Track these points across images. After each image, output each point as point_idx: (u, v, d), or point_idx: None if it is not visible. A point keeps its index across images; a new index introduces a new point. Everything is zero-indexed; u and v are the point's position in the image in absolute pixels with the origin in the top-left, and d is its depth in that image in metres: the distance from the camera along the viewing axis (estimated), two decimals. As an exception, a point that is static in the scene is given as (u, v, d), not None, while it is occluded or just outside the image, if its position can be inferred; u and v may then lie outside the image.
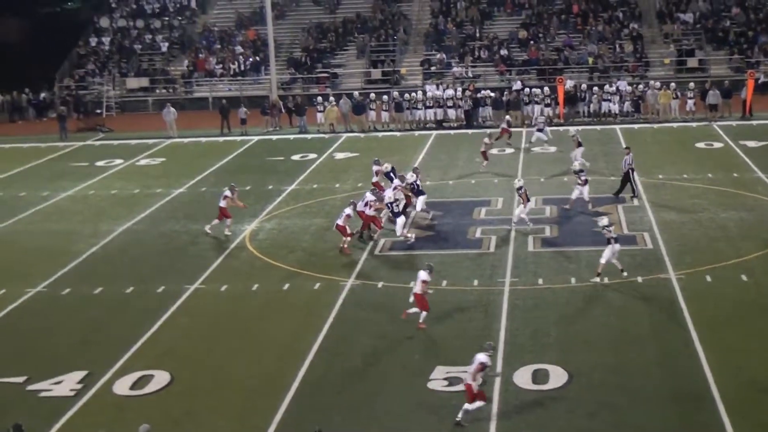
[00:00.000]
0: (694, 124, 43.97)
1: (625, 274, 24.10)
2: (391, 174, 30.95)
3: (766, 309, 22.05)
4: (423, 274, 21.71)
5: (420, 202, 30.00)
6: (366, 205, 28.10)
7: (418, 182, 30.20)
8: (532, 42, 56.25)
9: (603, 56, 54.41)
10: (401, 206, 28.91)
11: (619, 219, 29.35)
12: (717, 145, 39.58)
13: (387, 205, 28.31)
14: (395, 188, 29.33)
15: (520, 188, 28.62)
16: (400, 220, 28.19)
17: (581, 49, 55.57)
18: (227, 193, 29.75)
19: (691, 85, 46.12)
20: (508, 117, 43.08)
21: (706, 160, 36.74)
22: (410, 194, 30.11)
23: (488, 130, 40.52)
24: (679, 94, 45.55)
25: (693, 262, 25.01)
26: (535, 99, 46.35)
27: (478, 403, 17.33)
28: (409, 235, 28.10)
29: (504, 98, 46.91)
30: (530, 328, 21.52)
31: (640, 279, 24.15)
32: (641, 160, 36.71)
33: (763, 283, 23.52)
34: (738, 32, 55.01)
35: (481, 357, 17.35)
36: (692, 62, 53.82)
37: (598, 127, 44.31)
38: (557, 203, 31.28)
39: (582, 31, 57.20)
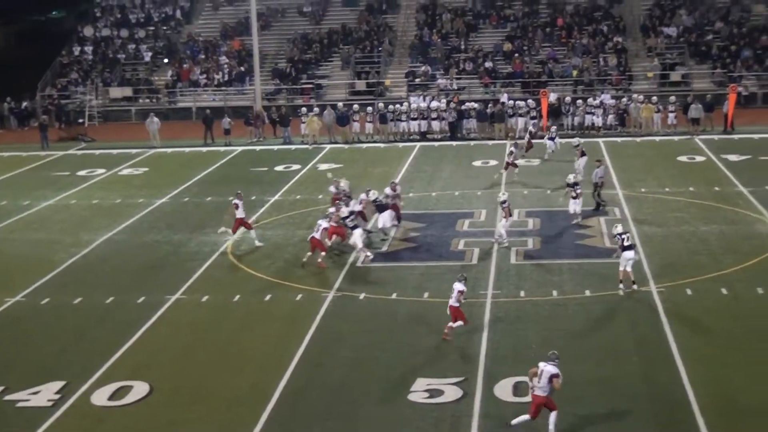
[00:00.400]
0: (676, 138, 44.15)
1: (635, 286, 24.11)
2: (344, 195, 30.31)
3: (746, 322, 22.09)
4: (459, 285, 21.47)
5: (382, 218, 29.46)
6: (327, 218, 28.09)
7: (381, 199, 29.87)
8: (516, 55, 56.41)
9: (587, 69, 54.60)
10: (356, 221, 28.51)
11: (602, 232, 29.40)
12: (699, 158, 39.76)
13: (342, 219, 28.02)
14: (361, 202, 29.44)
15: (503, 202, 28.57)
16: (357, 231, 28.00)
17: (565, 62, 55.77)
18: (236, 201, 29.57)
19: (672, 98, 46.32)
20: (531, 128, 42.95)
21: (688, 174, 36.88)
22: (363, 211, 29.95)
23: (517, 141, 40.38)
24: (661, 107, 45.73)
25: (674, 275, 25.06)
26: (519, 112, 46.43)
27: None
28: (368, 253, 27.67)
29: (488, 110, 46.97)
30: (512, 341, 21.51)
31: (621, 292, 24.16)
32: (624, 174, 36.98)
33: (743, 297, 23.60)
34: (721, 46, 55.33)
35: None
36: (675, 76, 54.08)
37: (583, 140, 44.28)
38: (540, 216, 31.31)
39: (566, 44, 57.43)
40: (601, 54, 55.93)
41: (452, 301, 21.45)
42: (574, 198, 30.22)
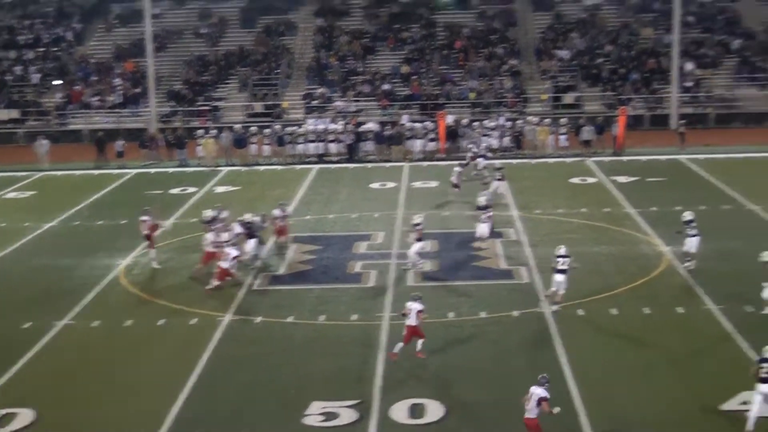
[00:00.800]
0: (568, 160, 44.93)
1: (554, 308, 24.38)
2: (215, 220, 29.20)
3: (634, 342, 22.50)
4: (416, 305, 21.43)
5: (250, 245, 28.72)
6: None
7: (257, 222, 29.34)
8: (414, 77, 56.85)
9: (484, 92, 55.33)
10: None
11: (497, 253, 29.67)
12: (590, 180, 40.50)
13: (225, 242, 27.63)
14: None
15: (417, 224, 28.32)
16: (250, 243, 28.08)
17: (462, 84, 56.40)
18: (144, 217, 29.19)
19: (563, 120, 47.13)
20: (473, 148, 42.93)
21: (581, 196, 37.52)
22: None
23: (461, 162, 40.25)
24: (554, 129, 46.52)
25: (566, 296, 25.32)
26: (417, 134, 46.72)
27: None
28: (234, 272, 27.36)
29: (386, 133, 47.15)
30: (408, 363, 21.43)
31: (516, 313, 24.39)
32: (520, 196, 37.41)
33: (631, 316, 24.03)
34: (611, 69, 56.69)
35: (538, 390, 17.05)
36: (568, 98, 55.19)
37: (484, 162, 44.70)
38: (438, 237, 31.42)
39: (463, 66, 58.11)
40: (496, 76, 56.75)
41: (411, 321, 21.34)
42: (484, 221, 30.34)
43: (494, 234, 31.35)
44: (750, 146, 46.07)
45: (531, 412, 16.97)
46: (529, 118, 48.81)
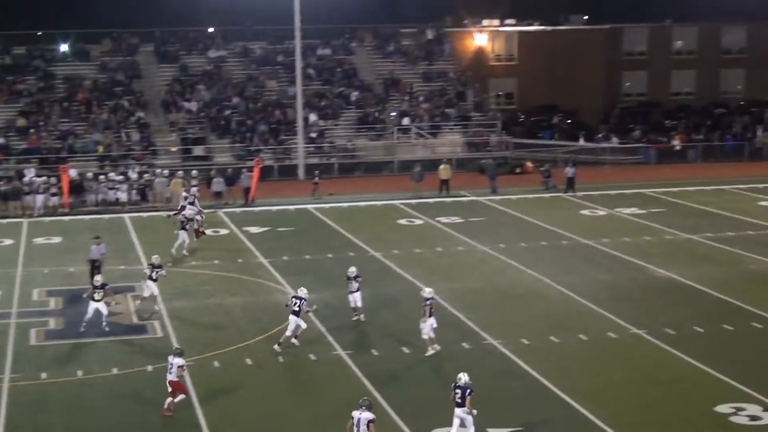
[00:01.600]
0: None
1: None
2: None
3: (268, 391, 22.58)
4: (179, 360, 20.88)
5: None
6: None
7: None
8: (32, 130, 54.14)
9: (111, 144, 53.78)
10: None
11: (129, 309, 28.70)
12: (223, 231, 40.37)
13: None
14: None
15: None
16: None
17: (87, 137, 54.46)
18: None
19: (194, 172, 46.94)
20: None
21: (214, 247, 37.13)
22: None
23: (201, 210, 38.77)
24: (189, 181, 46.11)
25: (202, 348, 24.99)
26: (38, 189, 44.32)
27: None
28: None
29: (2, 188, 44.34)
30: (32, 426, 20.34)
31: (150, 368, 23.71)
32: (151, 248, 36.49)
33: (266, 366, 24.09)
34: (239, 121, 57.32)
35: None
36: (198, 150, 55.03)
37: (106, 216, 43.43)
38: (63, 294, 29.96)
39: (86, 119, 56.16)
40: (123, 129, 55.41)
41: (172, 377, 20.78)
42: (152, 280, 28.68)
43: (126, 289, 30.33)
44: (370, 194, 48.29)
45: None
46: (159, 170, 48.06)
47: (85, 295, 26.81)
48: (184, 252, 35.37)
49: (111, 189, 45.61)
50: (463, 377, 18.91)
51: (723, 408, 20.92)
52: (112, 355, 24.78)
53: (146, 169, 49.83)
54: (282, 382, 23.25)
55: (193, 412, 21.12)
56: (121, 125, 55.84)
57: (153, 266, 28.57)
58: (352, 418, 17.66)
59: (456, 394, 18.85)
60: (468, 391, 18.76)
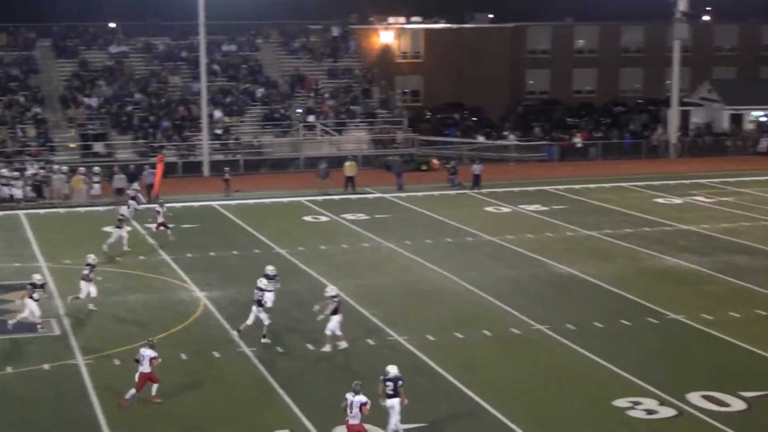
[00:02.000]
0: (101, 208, 43.70)
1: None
2: None
3: (173, 389, 22.13)
4: (150, 352, 21.14)
5: None
6: None
7: None
8: None
9: (5, 140, 52.33)
10: None
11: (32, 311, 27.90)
12: (127, 228, 39.48)
13: None
14: None
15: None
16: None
17: (-21, 133, 52.96)
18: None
19: (96, 169, 46.09)
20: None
21: (117, 245, 36.41)
22: None
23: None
24: (89, 178, 45.22)
25: (102, 346, 24.55)
26: None
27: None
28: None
29: None
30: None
31: (47, 366, 23.24)
32: (47, 246, 35.77)
33: (169, 363, 23.27)
34: (141, 117, 56.34)
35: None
36: (98, 146, 53.96)
37: (1, 213, 42.24)
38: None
39: (-22, 115, 54.62)
40: (18, 125, 53.96)
41: (144, 369, 20.97)
42: (87, 281, 27.87)
43: (19, 287, 29.54)
44: (276, 191, 47.99)
45: (355, 418, 18.11)
46: (57, 167, 46.98)
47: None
48: (125, 248, 34.74)
49: (5, 185, 44.42)
50: (392, 370, 19.20)
51: (621, 402, 21.28)
52: (6, 353, 24.27)
53: (43, 165, 48.62)
54: (185, 379, 22.86)
55: (93, 411, 20.73)
56: (17, 121, 54.40)
57: (91, 266, 28.00)
58: (346, 400, 18.17)
59: (387, 386, 19.05)
60: (400, 382, 19.06)
